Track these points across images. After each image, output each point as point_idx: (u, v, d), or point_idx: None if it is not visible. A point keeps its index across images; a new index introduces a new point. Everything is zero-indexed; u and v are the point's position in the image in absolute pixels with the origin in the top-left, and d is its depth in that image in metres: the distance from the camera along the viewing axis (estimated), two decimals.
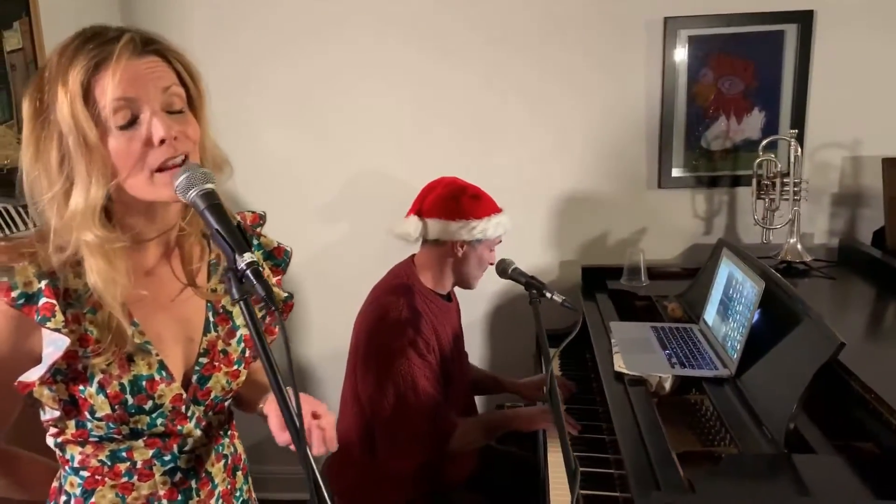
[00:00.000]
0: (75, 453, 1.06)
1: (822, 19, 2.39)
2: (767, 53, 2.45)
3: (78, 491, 1.07)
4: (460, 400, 2.02)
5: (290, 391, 0.91)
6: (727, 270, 1.89)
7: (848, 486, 1.27)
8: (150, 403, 1.02)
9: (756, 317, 1.66)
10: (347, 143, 2.66)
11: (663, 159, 2.56)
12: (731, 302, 1.80)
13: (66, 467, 1.08)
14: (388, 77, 2.60)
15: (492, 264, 1.96)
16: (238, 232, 0.92)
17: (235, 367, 1.12)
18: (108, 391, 0.99)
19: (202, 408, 1.09)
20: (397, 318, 1.81)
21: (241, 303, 0.91)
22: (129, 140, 0.94)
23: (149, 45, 0.96)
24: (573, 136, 2.57)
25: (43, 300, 0.95)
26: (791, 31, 2.42)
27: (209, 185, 0.94)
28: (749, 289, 1.71)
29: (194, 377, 1.08)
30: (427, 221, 1.92)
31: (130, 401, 1.01)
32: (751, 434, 1.46)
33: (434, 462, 1.85)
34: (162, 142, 0.94)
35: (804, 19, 2.40)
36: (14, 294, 0.94)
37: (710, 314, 1.93)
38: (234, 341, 1.12)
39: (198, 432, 1.09)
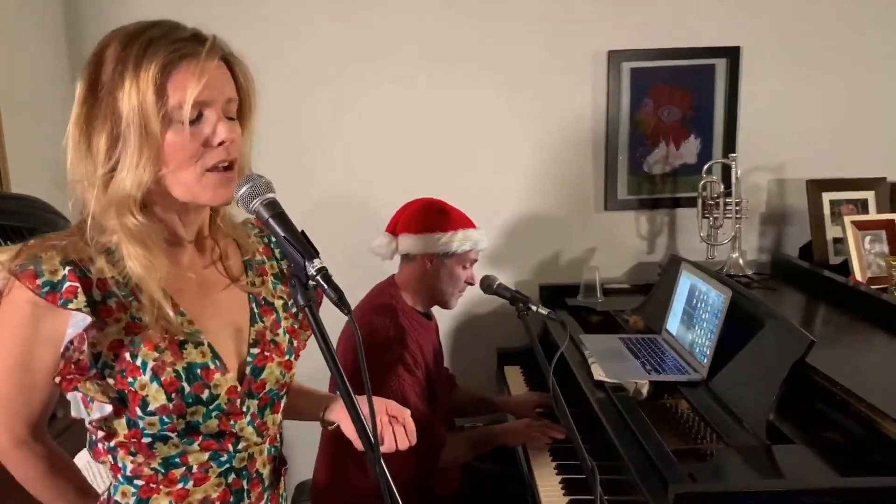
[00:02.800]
0: (127, 462, 1.04)
1: (748, 54, 2.62)
2: (701, 85, 2.66)
3: (132, 501, 1.05)
4: (444, 417, 2.06)
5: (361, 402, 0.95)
6: (689, 282, 2.03)
7: (820, 469, 1.41)
8: (206, 393, 1.02)
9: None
10: (308, 164, 2.67)
11: (609, 183, 2.71)
12: (696, 311, 1.94)
13: (119, 476, 1.05)
14: (347, 104, 2.64)
15: (469, 283, 2.02)
16: (304, 239, 0.95)
17: (287, 357, 1.13)
18: (162, 378, 0.98)
19: (256, 402, 1.09)
20: (386, 336, 1.84)
21: (307, 308, 0.94)
22: (190, 136, 0.96)
23: (219, 48, 1.00)
24: (526, 161, 2.69)
25: (67, 284, 0.95)
26: (721, 65, 2.64)
27: (271, 195, 0.98)
28: (715, 297, 1.85)
29: (248, 369, 1.08)
30: (399, 238, 1.98)
31: (187, 389, 1.00)
32: (734, 430, 1.58)
33: (423, 477, 1.87)
34: (221, 143, 0.97)
35: (732, 54, 2.63)
36: (39, 282, 0.94)
37: (674, 324, 2.06)
38: (280, 331, 1.13)
39: (251, 429, 1.08)
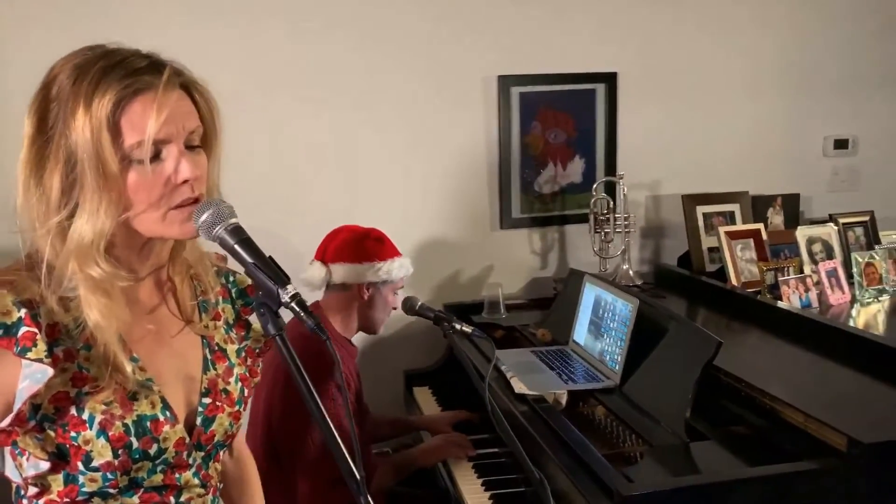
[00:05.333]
0: None
1: (623, 80, 2.82)
2: (583, 109, 2.83)
3: None
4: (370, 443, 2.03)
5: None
6: (593, 294, 2.14)
7: (739, 461, 1.53)
8: (154, 447, 0.95)
9: None
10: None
11: (503, 202, 2.81)
12: (603, 321, 2.05)
13: None
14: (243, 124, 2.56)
15: (394, 308, 2.02)
16: (273, 264, 0.92)
17: (237, 407, 1.08)
18: (110, 433, 0.91)
19: (203, 454, 1.03)
20: (320, 360, 1.79)
21: (279, 337, 0.92)
22: (151, 175, 0.90)
23: (177, 77, 0.93)
24: (423, 183, 2.73)
25: (23, 329, 0.87)
26: (600, 90, 2.82)
27: (234, 220, 0.93)
28: (622, 307, 1.97)
29: (198, 419, 1.02)
30: (331, 266, 1.95)
31: (135, 444, 0.93)
32: (653, 431, 1.68)
33: None
34: (185, 182, 0.92)
35: (609, 80, 2.82)
36: None
37: (581, 335, 2.16)
38: (232, 380, 1.08)
39: (195, 481, 1.02)
